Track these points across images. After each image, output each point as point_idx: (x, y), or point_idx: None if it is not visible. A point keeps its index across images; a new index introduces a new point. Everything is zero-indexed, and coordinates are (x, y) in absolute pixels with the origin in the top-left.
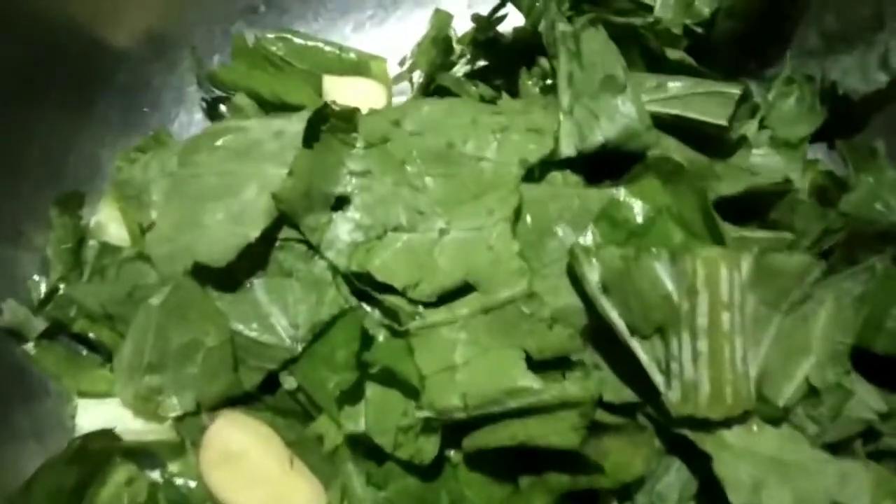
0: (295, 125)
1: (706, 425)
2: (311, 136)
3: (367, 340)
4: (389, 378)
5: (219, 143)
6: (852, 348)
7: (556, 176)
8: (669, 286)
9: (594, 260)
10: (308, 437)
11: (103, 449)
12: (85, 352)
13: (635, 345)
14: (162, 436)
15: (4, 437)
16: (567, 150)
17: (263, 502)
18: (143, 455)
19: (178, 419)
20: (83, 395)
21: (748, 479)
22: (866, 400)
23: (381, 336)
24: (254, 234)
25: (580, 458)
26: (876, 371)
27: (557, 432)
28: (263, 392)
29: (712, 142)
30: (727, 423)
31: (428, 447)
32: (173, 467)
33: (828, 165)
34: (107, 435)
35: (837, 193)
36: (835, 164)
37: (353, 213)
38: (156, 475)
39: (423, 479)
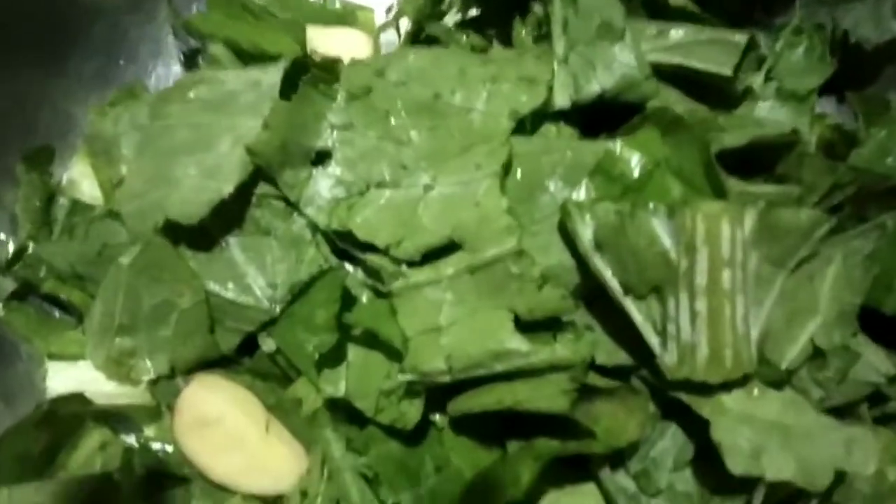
0: (272, 76)
1: (704, 389)
2: (289, 87)
3: (348, 301)
4: (371, 340)
5: (191, 94)
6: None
7: (549, 128)
8: (667, 243)
9: (587, 216)
10: (288, 401)
11: (74, 413)
12: (57, 313)
13: (630, 305)
14: (136, 399)
15: None
16: (561, 101)
17: (240, 467)
18: (118, 419)
19: (153, 382)
20: (54, 357)
21: (747, 444)
22: (873, 362)
23: (364, 296)
24: (227, 189)
25: (570, 422)
26: (883, 331)
27: (546, 396)
28: (241, 354)
29: (716, 93)
30: (726, 386)
31: (411, 411)
32: (149, 431)
33: (837, 119)
34: (77, 399)
35: (846, 149)
36: (844, 117)
37: (333, 168)
38: (131, 440)
39: (405, 444)
